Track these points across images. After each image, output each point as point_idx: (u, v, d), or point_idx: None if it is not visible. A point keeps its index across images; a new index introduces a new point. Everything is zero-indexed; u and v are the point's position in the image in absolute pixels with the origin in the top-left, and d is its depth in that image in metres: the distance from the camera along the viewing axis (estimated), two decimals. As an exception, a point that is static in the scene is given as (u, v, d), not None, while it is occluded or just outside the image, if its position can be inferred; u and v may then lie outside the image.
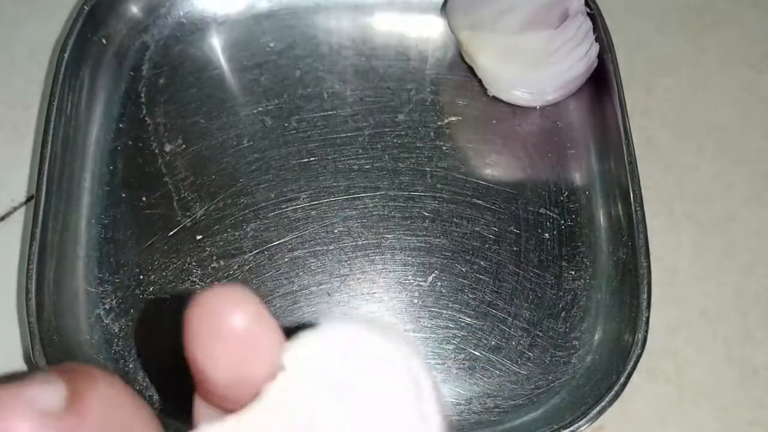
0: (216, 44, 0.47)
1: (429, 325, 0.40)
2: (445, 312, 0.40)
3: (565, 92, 0.45)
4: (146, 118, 0.45)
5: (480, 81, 0.46)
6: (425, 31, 0.48)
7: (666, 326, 0.42)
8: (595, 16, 0.44)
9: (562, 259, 0.42)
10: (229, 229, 0.42)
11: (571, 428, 0.36)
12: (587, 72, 0.44)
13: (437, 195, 0.43)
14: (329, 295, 0.41)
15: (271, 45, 0.47)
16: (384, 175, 0.44)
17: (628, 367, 0.37)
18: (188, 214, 0.43)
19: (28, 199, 0.44)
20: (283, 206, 0.43)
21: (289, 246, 0.42)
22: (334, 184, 0.44)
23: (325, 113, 0.45)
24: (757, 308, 0.43)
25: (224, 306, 0.15)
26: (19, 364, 0.40)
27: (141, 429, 0.15)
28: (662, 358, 0.41)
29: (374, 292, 0.41)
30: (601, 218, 0.43)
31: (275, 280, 0.41)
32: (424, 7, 0.48)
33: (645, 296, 0.38)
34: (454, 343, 0.40)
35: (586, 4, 0.44)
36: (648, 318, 0.38)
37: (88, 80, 0.45)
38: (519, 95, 0.45)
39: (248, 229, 0.42)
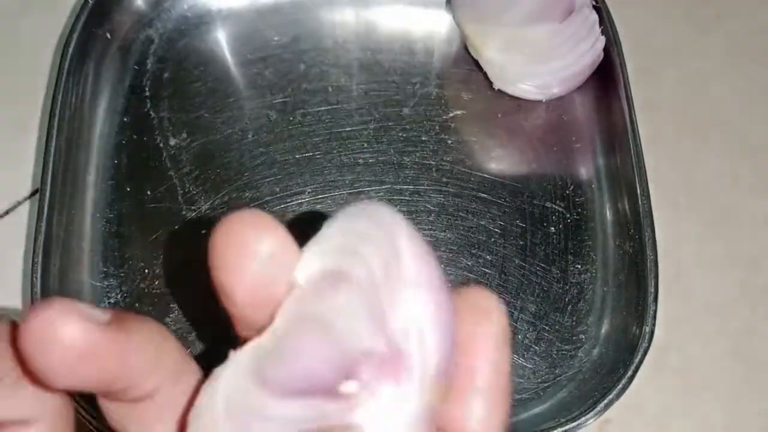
0: (221, 38, 0.47)
1: (435, 319, 0.40)
2: (450, 306, 0.40)
3: (571, 85, 0.45)
4: (151, 112, 0.45)
5: (485, 74, 0.46)
6: (430, 24, 0.48)
7: (672, 319, 0.41)
8: (600, 9, 0.44)
9: (569, 252, 0.42)
10: (234, 223, 0.42)
11: (578, 422, 0.36)
12: (593, 65, 0.44)
13: (442, 189, 0.43)
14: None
15: (276, 39, 0.47)
16: (389, 169, 0.44)
17: (635, 361, 0.36)
18: (193, 208, 0.42)
19: (33, 193, 0.44)
20: (288, 200, 0.43)
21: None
22: (339, 178, 0.43)
23: (330, 107, 0.45)
24: (764, 301, 0.43)
25: (249, 228, 0.16)
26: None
27: (173, 363, 0.17)
28: (669, 351, 0.41)
29: (380, 286, 0.41)
30: (608, 212, 0.43)
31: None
32: (429, 0, 0.48)
33: (652, 290, 0.38)
34: (460, 337, 0.40)
35: (592, -4, 0.44)
36: (655, 311, 0.37)
37: (92, 74, 0.44)
38: (525, 89, 0.45)
39: (253, 223, 0.42)
